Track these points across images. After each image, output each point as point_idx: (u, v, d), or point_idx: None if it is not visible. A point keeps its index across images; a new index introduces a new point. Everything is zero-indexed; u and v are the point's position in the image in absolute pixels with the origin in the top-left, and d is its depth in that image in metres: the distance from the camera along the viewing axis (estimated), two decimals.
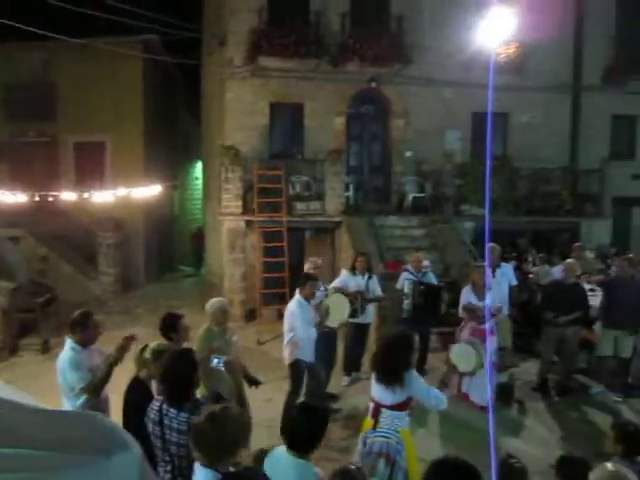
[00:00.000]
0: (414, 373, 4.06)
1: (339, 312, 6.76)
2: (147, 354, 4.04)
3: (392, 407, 3.99)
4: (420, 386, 4.05)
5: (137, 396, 3.90)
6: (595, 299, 7.90)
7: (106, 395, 4.52)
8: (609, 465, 2.58)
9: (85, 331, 4.34)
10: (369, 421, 4.16)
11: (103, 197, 11.17)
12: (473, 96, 12.64)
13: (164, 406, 3.31)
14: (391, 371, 4.00)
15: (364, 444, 4.10)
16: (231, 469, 2.65)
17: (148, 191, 12.90)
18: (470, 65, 12.59)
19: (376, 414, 4.09)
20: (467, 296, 7.01)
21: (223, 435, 2.48)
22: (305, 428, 2.98)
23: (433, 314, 8.00)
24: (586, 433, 6.28)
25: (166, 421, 3.26)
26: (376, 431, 4.01)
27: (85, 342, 4.35)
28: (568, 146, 14.45)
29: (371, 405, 4.20)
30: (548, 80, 13.85)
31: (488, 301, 6.56)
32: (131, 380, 4.02)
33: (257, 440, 5.91)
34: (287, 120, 13.08)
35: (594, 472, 2.57)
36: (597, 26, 14.27)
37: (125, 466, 1.33)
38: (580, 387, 7.69)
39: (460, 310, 7.14)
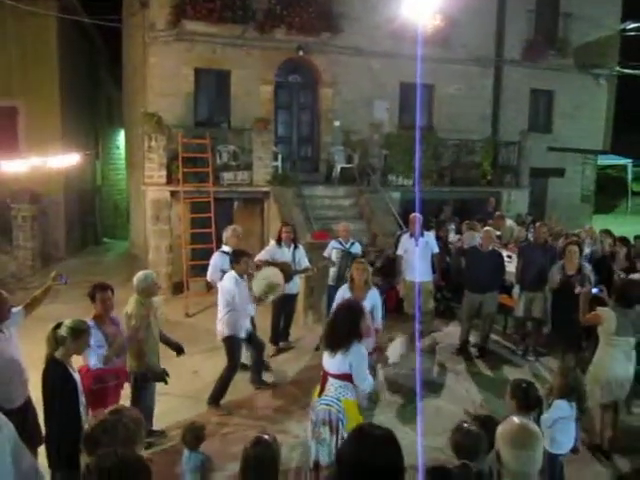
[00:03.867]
0: (360, 347, 4.00)
1: (279, 287, 6.73)
2: (63, 332, 3.87)
3: (337, 376, 3.98)
4: (359, 361, 3.98)
5: (55, 377, 3.77)
6: (511, 265, 8.31)
7: (24, 376, 4.34)
8: (515, 418, 2.71)
9: None
10: (317, 388, 4.17)
11: (16, 166, 10.49)
12: (401, 67, 12.80)
13: None
14: (335, 338, 4.00)
15: (313, 411, 4.09)
16: None
17: (67, 160, 12.23)
18: (398, 36, 12.70)
19: (323, 382, 4.09)
20: (343, 296, 5.65)
21: (117, 441, 2.39)
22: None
23: None
24: (501, 391, 6.64)
25: None
26: (321, 399, 4.02)
27: None
28: (490, 118, 14.94)
29: (322, 373, 4.19)
30: (471, 53, 14.19)
31: (366, 303, 5.52)
32: (47, 361, 3.85)
33: (184, 412, 5.92)
34: (213, 87, 12.72)
35: (501, 425, 2.68)
36: (518, 2, 14.68)
37: None
38: (498, 348, 8.11)
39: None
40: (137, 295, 5.16)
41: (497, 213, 11.21)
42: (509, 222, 11.13)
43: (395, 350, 4.40)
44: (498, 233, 10.93)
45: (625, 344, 5.13)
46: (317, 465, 3.92)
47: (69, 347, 3.89)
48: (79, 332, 3.95)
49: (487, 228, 8.24)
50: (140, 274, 5.25)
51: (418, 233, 8.02)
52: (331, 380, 4.02)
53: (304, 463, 4.07)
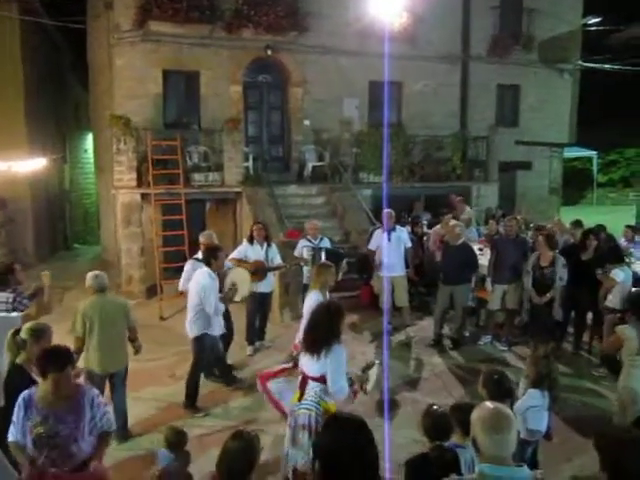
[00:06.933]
0: (340, 349, 3.91)
1: (242, 288, 6.68)
2: (23, 335, 3.79)
3: (317, 379, 3.92)
4: (337, 364, 3.87)
5: (18, 382, 3.64)
6: (484, 258, 8.43)
7: None
8: (488, 403, 2.75)
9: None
10: (297, 393, 4.09)
11: None
12: (369, 65, 12.87)
13: None
14: (315, 340, 3.95)
15: (292, 416, 4.02)
16: None
17: (32, 164, 12.03)
18: (366, 34, 12.78)
19: (303, 386, 4.03)
20: (317, 300, 4.85)
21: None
22: None
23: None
24: (475, 382, 6.73)
25: None
26: (301, 403, 3.95)
27: None
28: (458, 114, 15.11)
29: (300, 377, 4.13)
30: (438, 50, 14.33)
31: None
32: (9, 366, 3.77)
33: (162, 415, 5.87)
34: (182, 88, 12.62)
35: (475, 411, 2.71)
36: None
37: None
38: (471, 339, 8.23)
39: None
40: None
41: (459, 197, 11.39)
42: (468, 209, 11.28)
43: (372, 379, 4.41)
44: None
45: None
46: (295, 471, 3.84)
47: (30, 351, 3.75)
48: (40, 333, 3.84)
49: (452, 222, 8.37)
50: (94, 275, 5.26)
51: (388, 227, 8.12)
52: (311, 384, 3.96)
53: (282, 471, 4.05)
